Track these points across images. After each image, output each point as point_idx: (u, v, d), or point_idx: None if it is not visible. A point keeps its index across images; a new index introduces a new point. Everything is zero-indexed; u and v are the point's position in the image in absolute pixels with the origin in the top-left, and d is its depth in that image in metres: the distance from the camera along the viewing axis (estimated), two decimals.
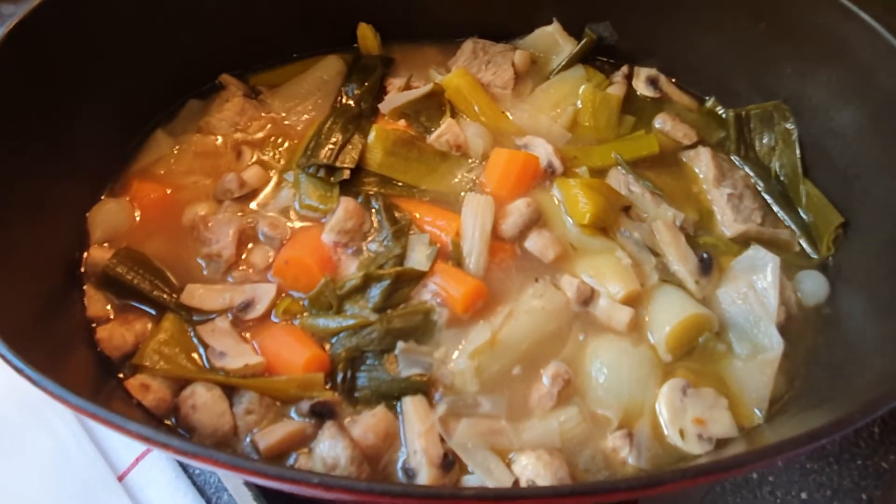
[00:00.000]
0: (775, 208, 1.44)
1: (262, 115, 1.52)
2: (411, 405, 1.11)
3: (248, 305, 1.22)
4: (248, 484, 1.16)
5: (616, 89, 1.60)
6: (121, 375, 1.15)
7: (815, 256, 1.38)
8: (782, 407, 1.17)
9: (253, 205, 1.39)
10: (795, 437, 0.79)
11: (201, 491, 1.28)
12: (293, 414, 1.13)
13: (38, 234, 1.20)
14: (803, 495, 1.31)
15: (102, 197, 1.38)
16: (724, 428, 1.13)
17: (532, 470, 1.05)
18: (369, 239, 1.32)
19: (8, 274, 1.08)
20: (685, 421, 1.13)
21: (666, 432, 1.14)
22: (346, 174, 1.37)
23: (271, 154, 1.47)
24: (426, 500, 0.72)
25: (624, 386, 1.17)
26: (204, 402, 1.09)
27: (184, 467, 1.30)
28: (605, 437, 1.13)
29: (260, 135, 1.50)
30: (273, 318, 1.23)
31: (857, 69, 1.32)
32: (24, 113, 1.19)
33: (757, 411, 1.17)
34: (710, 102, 1.61)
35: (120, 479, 1.27)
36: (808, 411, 1.08)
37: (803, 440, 0.78)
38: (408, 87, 1.56)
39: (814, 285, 1.32)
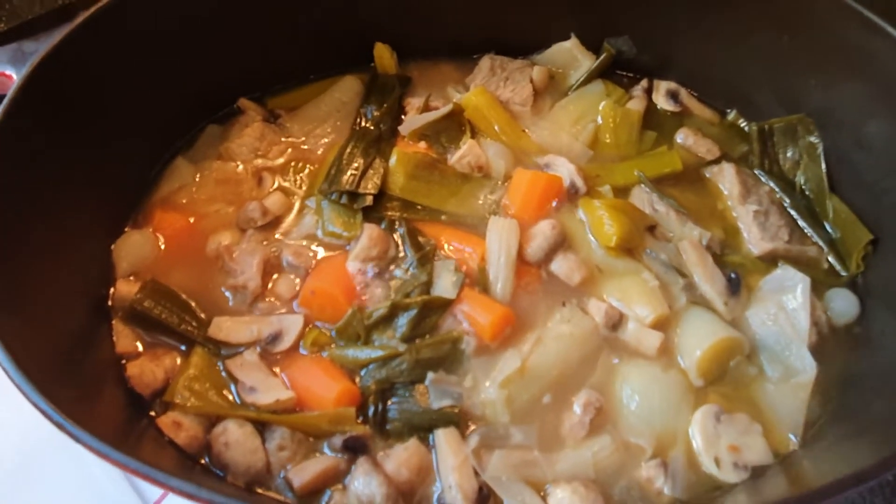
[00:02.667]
0: (801, 224, 1.42)
1: (282, 139, 1.51)
2: (444, 438, 1.11)
3: (275, 338, 1.22)
4: None
5: (636, 104, 1.58)
6: (152, 413, 1.15)
7: (843, 274, 1.36)
8: (818, 432, 1.16)
9: (277, 233, 1.38)
10: (843, 477, 0.78)
11: None
12: (326, 449, 1.12)
13: (63, 270, 1.19)
14: None
15: (126, 229, 1.37)
16: (760, 455, 1.12)
17: (568, 503, 1.04)
18: (394, 266, 1.31)
19: (34, 311, 1.08)
20: (720, 448, 1.12)
21: (701, 460, 1.13)
22: (370, 200, 1.36)
23: (292, 180, 1.46)
24: None
25: (656, 413, 1.16)
26: (236, 438, 1.08)
27: None
28: (640, 467, 1.12)
29: (280, 160, 1.49)
30: (301, 350, 1.23)
31: (884, 81, 1.30)
32: (45, 149, 1.19)
33: (792, 436, 1.16)
34: (731, 116, 1.59)
35: None
36: (850, 440, 1.07)
37: (851, 481, 0.77)
38: (426, 107, 1.55)
39: (844, 304, 1.31)
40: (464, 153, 1.45)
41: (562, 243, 1.33)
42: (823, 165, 1.44)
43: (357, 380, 1.18)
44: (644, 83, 1.63)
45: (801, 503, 0.78)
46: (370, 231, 1.31)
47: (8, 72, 1.09)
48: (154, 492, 1.29)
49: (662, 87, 1.62)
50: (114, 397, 1.13)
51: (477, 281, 1.27)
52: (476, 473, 1.08)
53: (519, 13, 1.60)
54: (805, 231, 1.41)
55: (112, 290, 1.28)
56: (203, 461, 1.10)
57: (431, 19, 1.60)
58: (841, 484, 0.76)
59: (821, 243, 1.39)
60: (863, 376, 1.22)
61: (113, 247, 1.33)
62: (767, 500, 0.96)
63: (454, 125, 1.50)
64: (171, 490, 0.75)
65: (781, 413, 1.17)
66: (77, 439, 0.79)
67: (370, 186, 1.37)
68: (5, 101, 1.07)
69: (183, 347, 1.23)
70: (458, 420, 1.13)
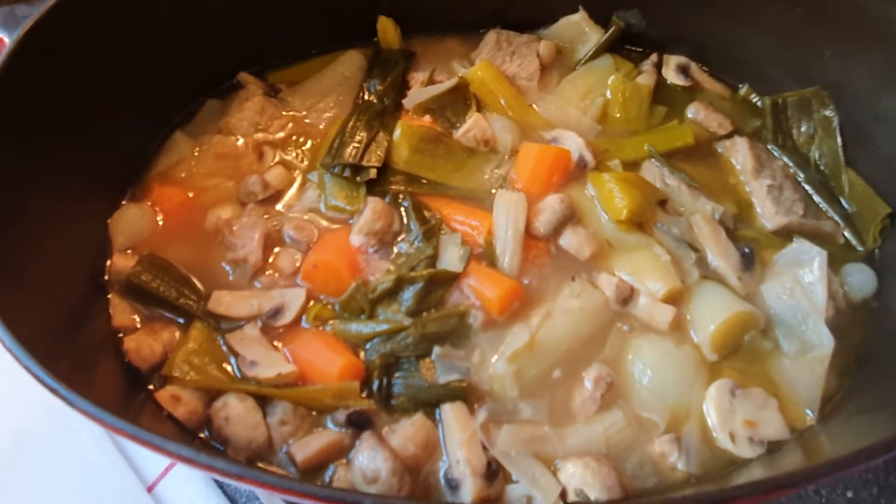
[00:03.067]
0: (817, 199, 1.40)
1: (283, 113, 1.50)
2: (451, 413, 1.09)
3: (277, 312, 1.19)
4: None
5: (646, 78, 1.56)
6: (150, 387, 1.13)
7: (860, 248, 1.34)
8: (835, 407, 1.14)
9: (278, 207, 1.36)
10: (867, 447, 0.74)
11: (231, 500, 1.26)
12: (329, 423, 1.11)
13: (59, 244, 1.17)
14: (849, 494, 1.27)
15: (123, 202, 1.35)
16: (776, 430, 1.10)
17: (579, 478, 1.02)
18: (399, 239, 1.29)
19: (31, 286, 1.06)
20: (735, 423, 1.10)
21: (715, 435, 1.11)
22: (373, 173, 1.34)
23: (294, 154, 1.44)
24: None
25: (669, 388, 1.14)
26: (237, 413, 1.06)
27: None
28: (652, 442, 1.10)
29: (281, 134, 1.47)
30: (304, 325, 1.21)
31: None
32: (39, 118, 1.16)
33: (808, 412, 1.14)
34: (743, 90, 1.57)
35: (149, 490, 1.26)
36: (866, 414, 1.05)
37: (866, 454, 0.74)
38: (431, 81, 1.53)
39: (861, 279, 1.29)
40: (469, 127, 1.42)
41: (571, 217, 1.31)
42: (839, 139, 1.41)
43: (361, 354, 1.16)
44: (654, 58, 1.60)
45: (816, 474, 0.75)
46: (374, 204, 1.28)
47: (0, 35, 1.06)
48: (152, 472, 1.28)
49: (672, 62, 1.59)
50: (111, 371, 1.11)
51: (484, 255, 1.25)
52: (484, 448, 1.06)
53: None
54: (820, 206, 1.39)
55: (108, 263, 1.26)
56: (203, 435, 1.08)
57: None
58: (856, 457, 0.73)
59: (836, 218, 1.37)
60: (881, 351, 1.20)
61: (109, 221, 1.31)
62: (782, 472, 0.92)
63: (459, 99, 1.48)
64: (169, 455, 0.72)
65: (798, 388, 1.15)
66: (72, 404, 0.77)
67: (374, 160, 1.35)
68: None
69: (182, 321, 1.21)
70: (465, 395, 1.12)
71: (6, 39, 1.07)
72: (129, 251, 1.28)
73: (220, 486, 1.27)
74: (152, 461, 1.28)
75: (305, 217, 1.34)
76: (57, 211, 1.18)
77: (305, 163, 1.43)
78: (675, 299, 1.22)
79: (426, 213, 1.31)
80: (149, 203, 1.35)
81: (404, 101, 1.48)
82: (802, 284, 1.23)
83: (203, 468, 0.70)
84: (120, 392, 1.07)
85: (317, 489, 0.71)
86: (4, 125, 1.08)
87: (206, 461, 0.70)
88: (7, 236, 1.04)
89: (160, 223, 1.34)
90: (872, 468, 1.31)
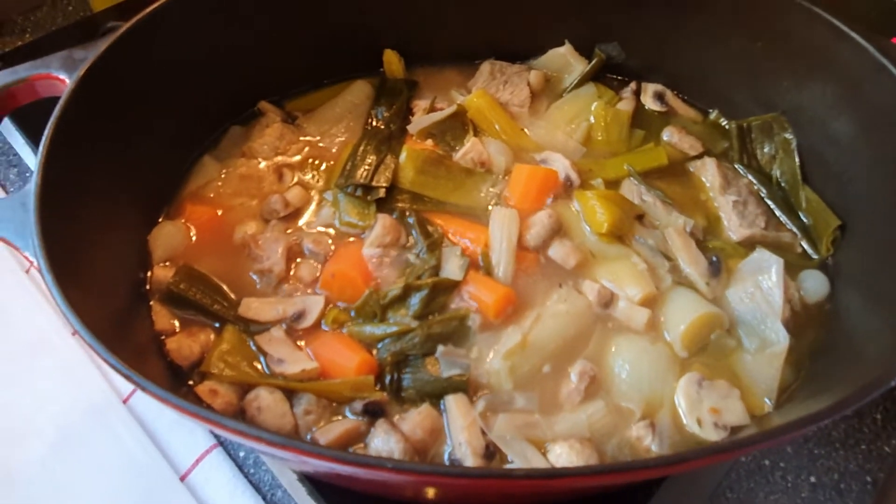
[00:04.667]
0: (777, 213, 1.53)
1: (300, 138, 1.62)
2: (454, 402, 1.22)
3: (299, 316, 1.33)
4: (301, 479, 1.26)
5: (626, 105, 1.70)
6: (191, 382, 1.25)
7: (815, 257, 1.47)
8: (790, 396, 1.27)
9: (298, 223, 1.49)
10: (799, 418, 0.90)
11: (256, 488, 1.36)
12: (347, 413, 1.23)
13: (107, 257, 1.29)
14: (812, 479, 1.39)
15: (160, 220, 1.48)
16: (738, 416, 1.23)
17: (566, 458, 1.15)
18: (406, 251, 1.42)
19: (89, 289, 1.16)
20: (702, 411, 1.23)
21: (685, 421, 1.23)
22: (382, 193, 1.47)
23: (310, 175, 1.58)
24: (484, 480, 0.83)
25: (645, 380, 1.26)
26: (268, 404, 1.19)
27: (239, 466, 1.40)
28: (630, 428, 1.22)
29: (298, 157, 1.60)
30: (323, 327, 1.33)
31: (847, 83, 1.41)
32: (94, 144, 1.28)
33: (766, 400, 1.26)
34: (713, 115, 1.71)
35: (182, 479, 1.36)
36: (813, 398, 1.18)
37: (806, 421, 0.89)
38: (432, 108, 1.67)
39: (815, 284, 1.41)
40: (467, 150, 1.56)
41: (558, 231, 1.45)
42: (797, 159, 1.54)
43: (374, 352, 1.28)
44: (633, 85, 1.74)
45: (764, 438, 0.90)
46: (384, 220, 1.43)
47: (61, 76, 1.21)
48: (185, 461, 1.38)
49: (650, 89, 1.73)
50: (157, 368, 1.23)
51: (481, 265, 1.38)
52: (483, 433, 1.18)
53: (516, 22, 1.72)
54: (780, 219, 1.52)
55: (149, 274, 1.39)
56: None
57: (436, 28, 1.72)
58: (798, 423, 0.88)
59: (795, 230, 1.50)
60: (831, 347, 1.32)
61: (149, 236, 1.43)
62: (739, 439, 1.08)
63: (458, 125, 1.62)
64: (224, 429, 0.85)
65: (758, 380, 1.28)
66: (142, 387, 0.90)
67: (382, 180, 1.49)
68: (61, 100, 1.19)
69: (216, 325, 1.33)
70: (465, 387, 1.23)
71: (67, 80, 1.22)
72: (167, 263, 1.41)
73: (246, 474, 1.38)
74: (185, 452, 1.39)
75: (322, 231, 1.47)
76: (102, 228, 1.29)
77: (321, 183, 1.56)
78: (650, 303, 1.35)
79: (430, 228, 1.45)
80: (182, 220, 1.48)
81: (409, 127, 1.62)
82: (762, 289, 1.36)
83: (253, 439, 0.84)
84: (165, 387, 1.20)
85: (348, 455, 0.85)
86: (68, 150, 1.19)
87: (254, 433, 0.84)
88: (68, 246, 1.14)
89: (193, 238, 1.46)
90: (833, 456, 1.44)
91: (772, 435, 0.90)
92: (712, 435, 1.22)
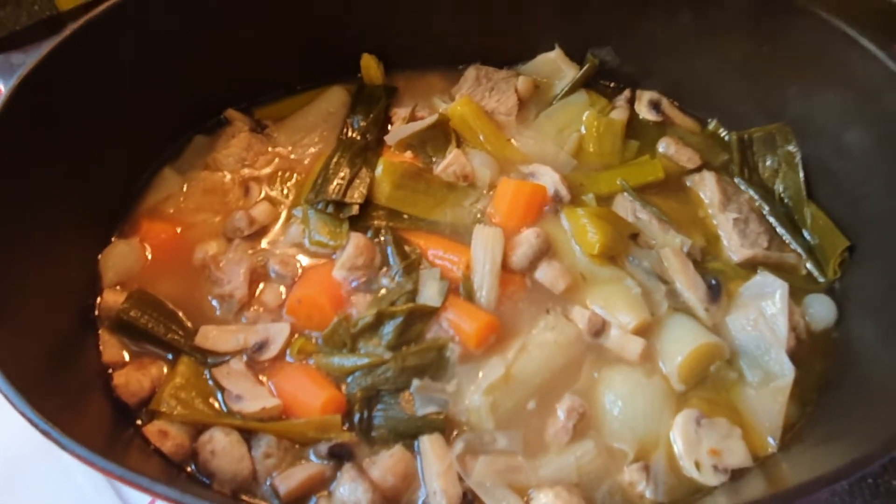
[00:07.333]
0: (780, 231, 1.45)
1: (269, 149, 1.53)
2: (429, 444, 1.12)
3: (262, 346, 1.23)
4: None
5: (619, 114, 1.61)
6: (139, 422, 1.16)
7: (821, 280, 1.39)
8: (796, 435, 1.18)
9: (263, 242, 1.40)
10: (814, 479, 0.80)
11: None
12: (312, 456, 1.14)
13: (49, 281, 1.20)
14: None
15: (113, 238, 1.39)
16: (739, 458, 1.15)
17: None
18: (380, 274, 1.33)
19: (20, 321, 1.08)
20: (700, 452, 1.14)
21: (681, 464, 1.15)
22: (356, 210, 1.38)
23: (279, 189, 1.48)
24: None
25: (639, 418, 1.18)
26: (223, 447, 1.09)
27: None
28: (622, 471, 1.14)
29: (267, 170, 1.51)
30: (288, 358, 1.24)
31: (861, 92, 1.33)
32: (32, 158, 1.20)
33: (770, 440, 1.18)
34: (712, 125, 1.62)
35: None
36: (826, 443, 1.09)
37: (822, 482, 0.79)
38: (413, 117, 1.57)
39: (822, 309, 1.33)
40: (449, 162, 1.47)
41: (546, 251, 1.36)
42: (801, 173, 1.46)
43: (343, 387, 1.20)
44: (627, 93, 1.66)
45: (775, 502, 0.80)
46: (356, 240, 1.33)
47: None
48: (139, 500, 1.29)
49: (645, 97, 1.65)
50: (100, 406, 1.14)
51: (462, 289, 1.29)
52: (461, 479, 1.09)
53: (504, 25, 1.63)
54: (784, 238, 1.44)
55: (98, 299, 1.29)
56: (189, 469, 1.11)
57: (418, 31, 1.62)
58: (814, 484, 0.78)
59: (799, 250, 1.42)
60: (840, 380, 1.24)
61: (100, 257, 1.34)
62: (745, 500, 0.97)
63: (440, 135, 1.53)
64: (155, 495, 0.75)
65: (761, 417, 1.20)
66: (63, 447, 0.80)
67: (356, 196, 1.39)
68: None
69: (169, 356, 1.24)
70: (443, 426, 1.15)
71: (1, 88, 1.10)
72: (118, 287, 1.31)
73: None
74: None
75: (290, 252, 1.37)
76: (47, 248, 1.21)
77: (290, 198, 1.46)
78: (645, 331, 1.27)
79: (406, 248, 1.35)
80: (138, 239, 1.38)
81: (386, 138, 1.53)
82: (765, 316, 1.27)
83: None
84: (109, 427, 1.10)
85: None
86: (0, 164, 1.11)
87: (190, 501, 0.74)
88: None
89: (149, 258, 1.37)
90: (839, 492, 1.35)
91: (784, 498, 0.79)
92: (712, 479, 1.13)
